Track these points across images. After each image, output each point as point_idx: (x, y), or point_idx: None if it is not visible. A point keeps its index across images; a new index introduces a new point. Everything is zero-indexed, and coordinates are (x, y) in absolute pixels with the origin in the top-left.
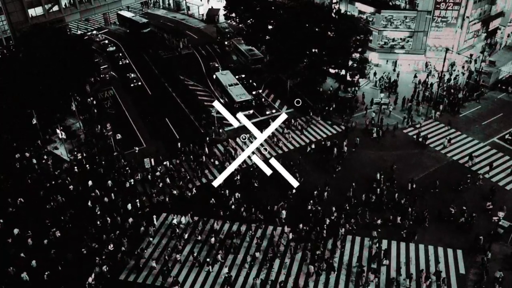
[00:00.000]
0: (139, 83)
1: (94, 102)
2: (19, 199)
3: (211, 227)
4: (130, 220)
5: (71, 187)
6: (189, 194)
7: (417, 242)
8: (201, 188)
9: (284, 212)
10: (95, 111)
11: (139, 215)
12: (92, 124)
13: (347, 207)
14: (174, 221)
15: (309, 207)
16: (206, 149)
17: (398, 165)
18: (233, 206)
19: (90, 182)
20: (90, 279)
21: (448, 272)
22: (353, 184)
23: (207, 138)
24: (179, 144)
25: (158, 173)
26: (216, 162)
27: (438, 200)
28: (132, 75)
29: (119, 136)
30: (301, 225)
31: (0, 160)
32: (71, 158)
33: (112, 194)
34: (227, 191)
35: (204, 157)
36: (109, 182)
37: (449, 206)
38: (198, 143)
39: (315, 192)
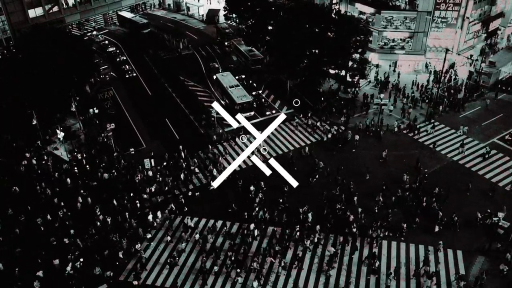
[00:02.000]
0: (134, 74)
1: (96, 111)
2: (14, 187)
3: (184, 224)
4: (101, 217)
5: (82, 191)
6: (159, 199)
7: (417, 242)
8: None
9: (310, 215)
10: (96, 120)
11: (138, 215)
12: (92, 125)
13: (376, 210)
14: (149, 217)
15: (337, 208)
16: (183, 153)
17: (398, 165)
18: (257, 208)
19: (68, 180)
20: (68, 268)
21: (448, 272)
22: (384, 187)
23: (181, 146)
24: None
25: (138, 178)
26: (197, 170)
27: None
28: (127, 66)
29: (113, 125)
30: (318, 226)
31: (1, 160)
32: (71, 158)
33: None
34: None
35: (182, 161)
36: (105, 175)
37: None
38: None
39: (343, 195)
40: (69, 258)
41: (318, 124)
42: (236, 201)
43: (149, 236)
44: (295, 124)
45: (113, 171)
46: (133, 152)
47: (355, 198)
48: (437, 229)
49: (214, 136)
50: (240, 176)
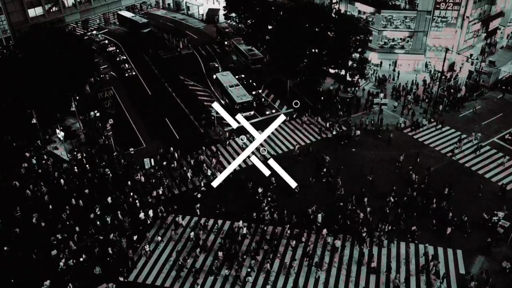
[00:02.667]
0: (134, 73)
1: (97, 114)
2: (15, 182)
3: (175, 222)
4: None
5: (86, 190)
6: (150, 200)
7: (417, 242)
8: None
9: (320, 216)
10: (98, 123)
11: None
12: (93, 128)
13: (387, 210)
14: (141, 215)
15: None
16: (176, 154)
17: (396, 165)
18: (266, 208)
19: (62, 181)
20: (61, 263)
21: (448, 272)
22: (394, 188)
23: (171, 148)
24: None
25: (138, 177)
26: (189, 172)
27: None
28: (127, 66)
29: (111, 121)
30: (325, 230)
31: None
32: (71, 158)
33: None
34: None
35: (175, 162)
36: (107, 169)
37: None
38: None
39: (353, 196)
40: (61, 256)
41: (327, 124)
42: (236, 202)
43: (135, 237)
44: (302, 122)
45: (108, 171)
46: (132, 152)
47: (365, 199)
48: (449, 231)
49: (207, 139)
50: (240, 176)
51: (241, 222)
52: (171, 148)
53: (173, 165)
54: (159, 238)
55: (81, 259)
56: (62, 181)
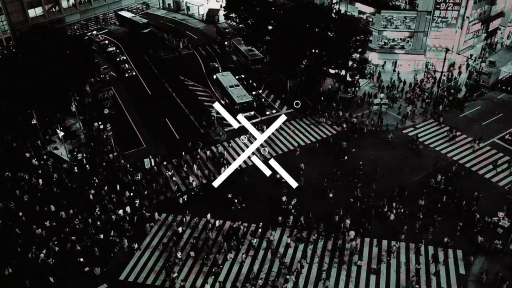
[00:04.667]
0: (134, 73)
1: (102, 127)
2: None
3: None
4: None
5: (92, 191)
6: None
7: (417, 242)
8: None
9: (348, 221)
10: (103, 134)
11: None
12: (91, 125)
13: (420, 216)
14: (120, 212)
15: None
16: (157, 159)
17: (398, 165)
18: (293, 210)
19: (40, 181)
20: (42, 255)
21: (448, 272)
22: (424, 190)
23: (150, 156)
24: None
25: (138, 177)
26: (174, 178)
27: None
28: (127, 65)
29: (106, 111)
30: (352, 233)
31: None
32: (71, 158)
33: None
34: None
35: (155, 168)
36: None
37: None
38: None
39: (384, 200)
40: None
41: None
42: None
43: (102, 236)
44: (315, 123)
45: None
46: (131, 170)
47: (394, 204)
48: (480, 239)
49: (187, 144)
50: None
51: (209, 215)
52: (150, 156)
53: (154, 171)
54: (136, 246)
55: (81, 260)
56: (40, 181)
